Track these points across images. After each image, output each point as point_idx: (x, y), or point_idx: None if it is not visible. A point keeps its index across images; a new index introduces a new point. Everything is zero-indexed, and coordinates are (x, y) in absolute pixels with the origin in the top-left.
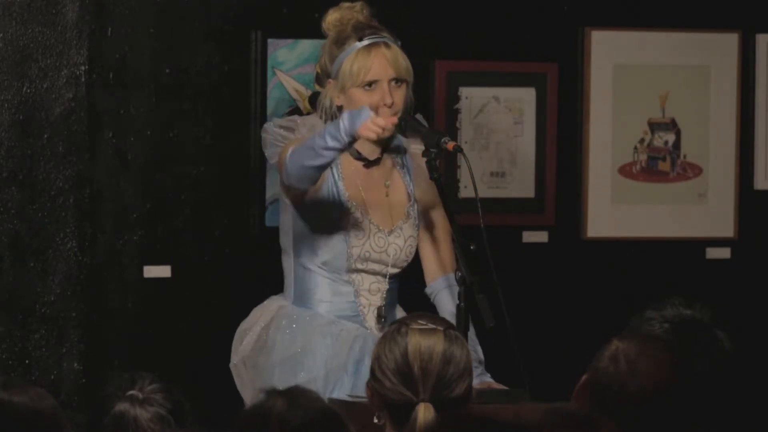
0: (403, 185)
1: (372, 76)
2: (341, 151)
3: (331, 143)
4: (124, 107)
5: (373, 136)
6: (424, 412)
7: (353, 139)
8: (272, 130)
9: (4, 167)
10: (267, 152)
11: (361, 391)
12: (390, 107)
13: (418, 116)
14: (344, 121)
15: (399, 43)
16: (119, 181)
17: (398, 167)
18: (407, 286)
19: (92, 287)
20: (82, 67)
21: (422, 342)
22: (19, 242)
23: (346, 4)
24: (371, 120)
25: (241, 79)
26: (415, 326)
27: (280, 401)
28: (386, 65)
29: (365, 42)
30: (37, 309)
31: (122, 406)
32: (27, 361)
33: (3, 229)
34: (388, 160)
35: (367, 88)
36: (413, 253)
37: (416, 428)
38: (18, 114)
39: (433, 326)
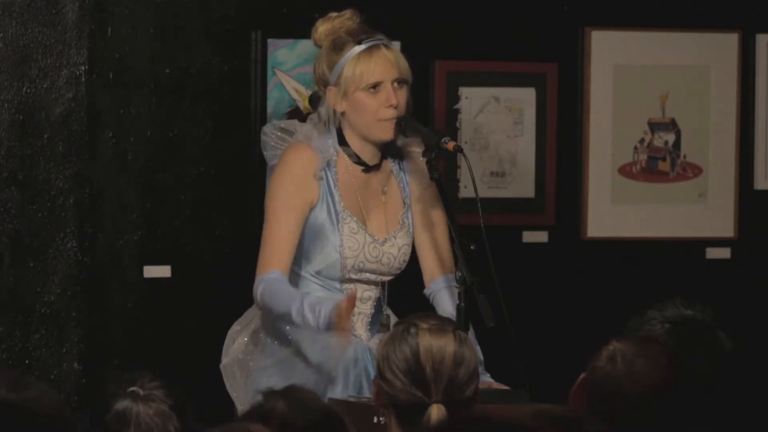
0: (398, 192)
1: (376, 78)
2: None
3: (303, 324)
4: (124, 107)
5: (349, 324)
6: (437, 413)
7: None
8: (271, 133)
9: (4, 167)
10: (266, 154)
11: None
12: (395, 108)
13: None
14: (319, 320)
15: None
16: (119, 181)
17: (395, 173)
18: (401, 289)
19: (92, 287)
20: (82, 67)
21: (434, 343)
22: (19, 242)
23: (334, 14)
24: (337, 314)
25: (241, 79)
26: (424, 326)
27: (280, 402)
28: (389, 66)
29: (364, 45)
30: (37, 309)
31: (124, 403)
32: (27, 361)
33: (3, 229)
34: (386, 166)
35: (371, 90)
36: (407, 261)
37: (429, 429)
38: (18, 114)
39: (443, 327)
